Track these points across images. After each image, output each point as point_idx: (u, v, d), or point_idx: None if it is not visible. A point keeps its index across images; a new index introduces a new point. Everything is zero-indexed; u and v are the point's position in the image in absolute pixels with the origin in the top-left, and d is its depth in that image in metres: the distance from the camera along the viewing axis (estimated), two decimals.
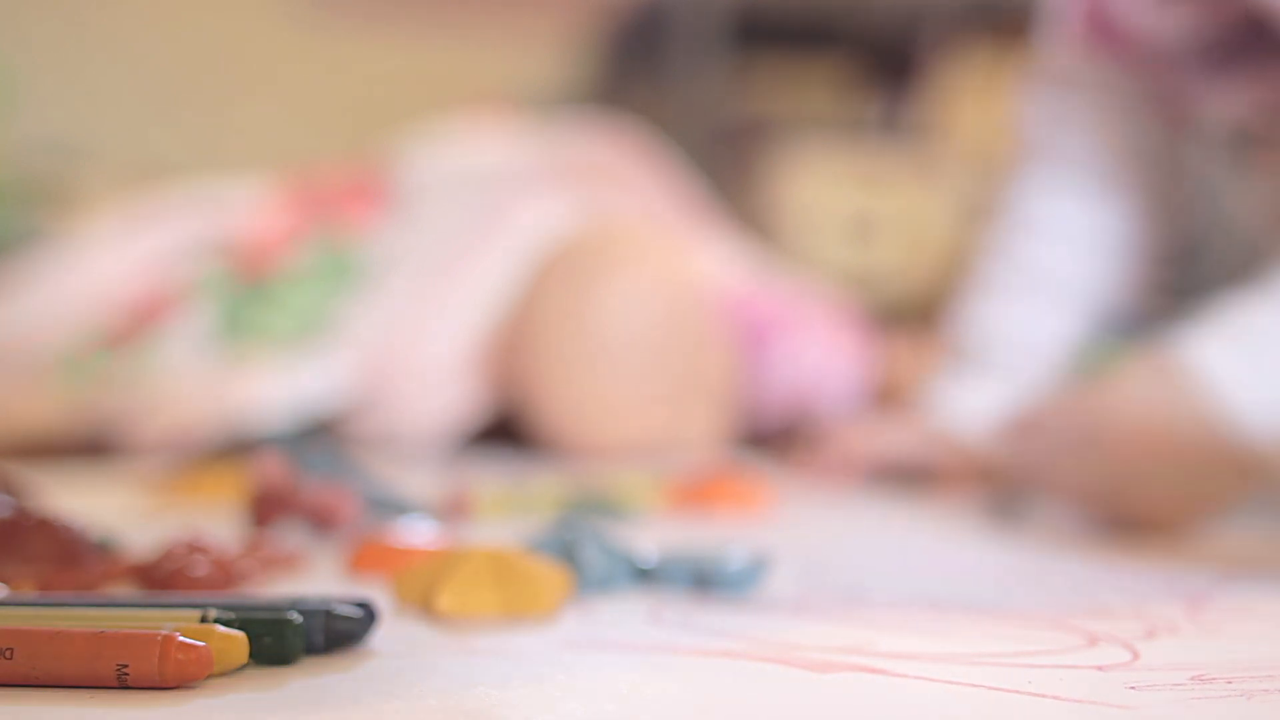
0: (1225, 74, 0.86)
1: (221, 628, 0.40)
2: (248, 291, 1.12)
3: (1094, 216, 0.96)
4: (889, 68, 2.55)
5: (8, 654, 0.38)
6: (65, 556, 0.54)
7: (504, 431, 1.16)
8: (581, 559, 0.54)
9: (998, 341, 0.96)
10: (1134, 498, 0.74)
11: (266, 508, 0.66)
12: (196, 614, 0.42)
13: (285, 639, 0.41)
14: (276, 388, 1.06)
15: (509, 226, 1.17)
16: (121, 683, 0.38)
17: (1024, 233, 0.97)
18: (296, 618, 0.42)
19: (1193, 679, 0.42)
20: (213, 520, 0.69)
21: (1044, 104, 0.98)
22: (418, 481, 0.86)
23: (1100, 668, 0.43)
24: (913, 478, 0.94)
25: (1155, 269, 0.97)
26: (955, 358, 0.98)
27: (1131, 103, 0.95)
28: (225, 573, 0.53)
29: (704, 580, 0.55)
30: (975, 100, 2.41)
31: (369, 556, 0.58)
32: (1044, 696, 0.40)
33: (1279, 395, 0.75)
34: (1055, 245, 0.96)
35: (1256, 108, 0.87)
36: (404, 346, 1.12)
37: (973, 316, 0.98)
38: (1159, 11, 0.86)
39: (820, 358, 1.21)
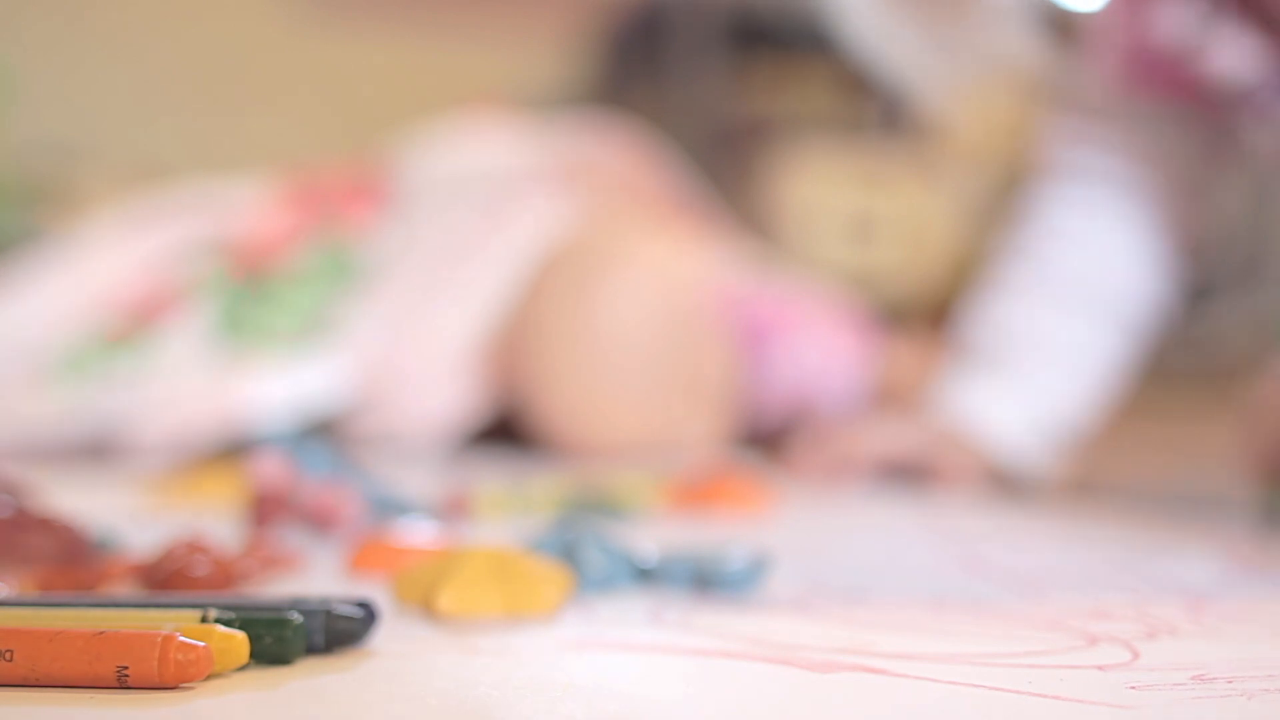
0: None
1: (221, 628, 0.40)
2: (248, 291, 1.12)
3: (1125, 234, 0.92)
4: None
5: (8, 655, 0.38)
6: (65, 556, 0.54)
7: (504, 431, 1.16)
8: (581, 559, 0.54)
9: (1019, 342, 0.94)
10: None
11: (266, 508, 0.66)
12: (196, 614, 0.42)
13: (285, 639, 0.41)
14: (277, 387, 1.06)
15: (509, 226, 1.17)
16: (121, 683, 0.38)
17: (1052, 240, 0.94)
18: (296, 618, 0.42)
19: (1193, 679, 0.42)
20: (213, 520, 0.69)
21: (1075, 129, 0.95)
22: (418, 481, 0.86)
23: (1100, 667, 0.43)
24: (914, 476, 0.94)
25: (1175, 294, 0.95)
26: (967, 357, 0.96)
27: (1168, 133, 0.92)
28: (225, 573, 0.53)
29: (704, 580, 0.55)
30: (975, 101, 2.41)
31: (369, 556, 0.58)
32: (1044, 696, 0.40)
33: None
34: (1086, 255, 0.93)
35: None
36: (404, 346, 1.12)
37: (991, 316, 0.96)
38: (1208, 50, 0.84)
39: (820, 358, 1.21)
